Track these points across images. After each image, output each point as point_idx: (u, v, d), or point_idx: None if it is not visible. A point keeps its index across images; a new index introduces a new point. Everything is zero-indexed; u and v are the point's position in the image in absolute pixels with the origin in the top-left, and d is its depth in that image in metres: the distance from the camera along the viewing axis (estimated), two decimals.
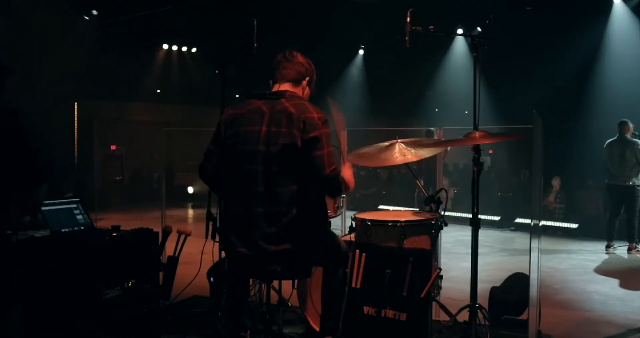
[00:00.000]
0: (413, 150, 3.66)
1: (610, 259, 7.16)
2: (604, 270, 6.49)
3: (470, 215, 3.19)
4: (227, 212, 2.79)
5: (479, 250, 3.26)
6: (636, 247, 7.40)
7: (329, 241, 2.89)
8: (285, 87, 2.85)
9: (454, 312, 3.37)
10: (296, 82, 2.88)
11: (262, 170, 2.65)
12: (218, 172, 2.82)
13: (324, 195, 2.84)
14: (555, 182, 9.52)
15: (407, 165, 3.82)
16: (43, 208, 3.44)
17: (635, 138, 7.43)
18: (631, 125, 7.46)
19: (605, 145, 7.64)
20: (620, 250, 7.50)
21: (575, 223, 9.07)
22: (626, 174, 7.36)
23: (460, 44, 12.64)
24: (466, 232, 4.13)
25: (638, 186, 7.37)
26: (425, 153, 3.70)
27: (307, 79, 2.92)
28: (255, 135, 2.68)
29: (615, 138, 7.53)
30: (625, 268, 6.73)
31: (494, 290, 4.18)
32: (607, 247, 7.50)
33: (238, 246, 2.72)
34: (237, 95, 2.85)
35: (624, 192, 7.42)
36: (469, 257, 3.29)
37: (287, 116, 2.66)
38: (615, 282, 5.81)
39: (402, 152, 3.66)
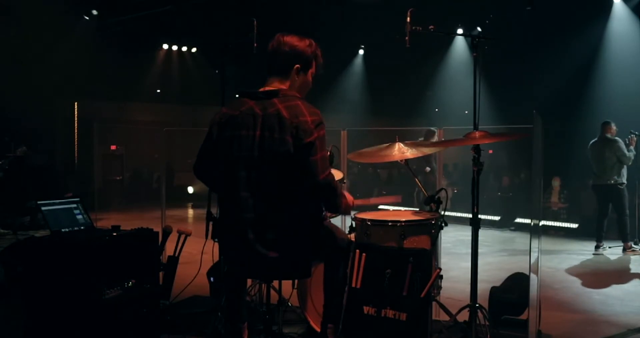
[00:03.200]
0: (412, 149, 3.67)
1: (608, 259, 7.16)
2: (603, 270, 6.50)
3: (470, 215, 3.20)
4: (223, 217, 2.76)
5: (479, 250, 3.26)
6: (631, 247, 7.38)
7: (326, 238, 2.87)
8: (275, 82, 2.71)
9: (454, 312, 3.37)
10: (284, 73, 2.69)
11: (256, 175, 2.61)
12: (213, 172, 2.78)
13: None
14: (556, 183, 9.52)
15: (406, 164, 3.83)
16: (43, 208, 3.43)
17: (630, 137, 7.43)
18: (614, 126, 7.47)
19: (588, 146, 7.69)
20: (612, 250, 7.47)
21: (576, 223, 9.07)
22: (607, 173, 7.39)
23: (460, 44, 12.64)
24: (466, 232, 4.13)
25: (621, 184, 7.39)
26: (424, 150, 3.73)
27: (297, 66, 2.68)
28: (250, 141, 2.62)
29: (596, 139, 7.58)
30: (624, 268, 6.72)
31: (494, 290, 4.17)
32: (597, 247, 7.46)
33: (235, 250, 2.72)
34: (237, 95, 2.81)
35: (608, 191, 7.44)
36: (469, 257, 3.29)
37: (279, 121, 2.57)
38: (614, 282, 5.80)
39: (401, 150, 3.66)
